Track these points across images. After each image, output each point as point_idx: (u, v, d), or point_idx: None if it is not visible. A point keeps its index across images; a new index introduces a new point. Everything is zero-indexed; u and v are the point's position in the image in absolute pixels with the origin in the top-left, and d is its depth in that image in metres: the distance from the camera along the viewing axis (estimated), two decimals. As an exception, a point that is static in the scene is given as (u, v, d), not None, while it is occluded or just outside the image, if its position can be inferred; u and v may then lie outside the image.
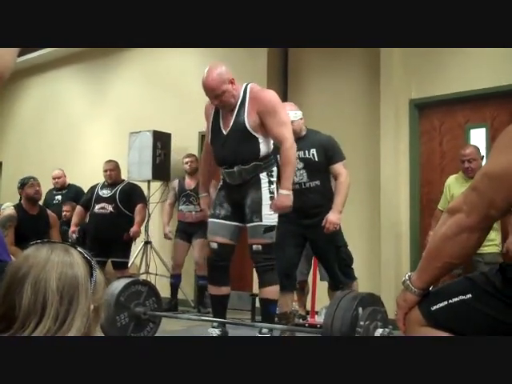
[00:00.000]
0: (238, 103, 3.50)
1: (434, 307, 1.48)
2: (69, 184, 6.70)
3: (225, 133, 3.55)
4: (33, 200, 5.15)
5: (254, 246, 3.50)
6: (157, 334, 4.26)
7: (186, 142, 6.71)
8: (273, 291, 3.55)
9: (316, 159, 3.98)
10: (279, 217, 3.77)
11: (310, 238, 4.02)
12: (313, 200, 3.97)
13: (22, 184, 5.16)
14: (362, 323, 2.36)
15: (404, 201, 5.29)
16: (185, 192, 5.96)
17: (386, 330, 2.38)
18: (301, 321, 4.90)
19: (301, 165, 3.97)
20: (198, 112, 6.73)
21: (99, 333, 1.18)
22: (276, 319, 3.81)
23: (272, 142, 3.60)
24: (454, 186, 4.45)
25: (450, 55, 5.01)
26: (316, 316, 5.14)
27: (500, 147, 1.44)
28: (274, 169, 3.63)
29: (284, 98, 6.24)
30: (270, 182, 3.57)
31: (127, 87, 7.57)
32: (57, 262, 1.07)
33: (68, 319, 1.03)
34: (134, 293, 3.73)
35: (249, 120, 3.46)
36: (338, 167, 4.00)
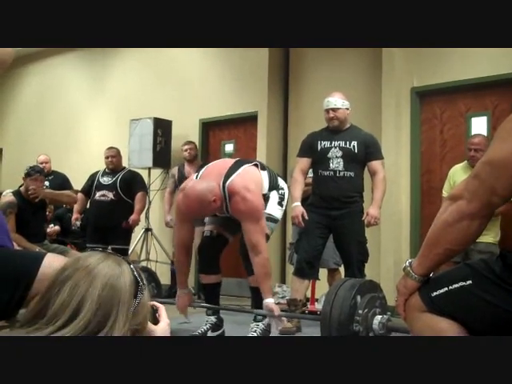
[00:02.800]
0: (224, 204, 3.38)
1: (435, 293, 1.49)
2: (53, 170, 6.65)
3: (223, 215, 3.55)
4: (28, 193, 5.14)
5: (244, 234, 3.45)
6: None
7: (187, 130, 6.71)
8: None
9: (355, 151, 4.05)
10: (309, 205, 3.83)
11: (335, 229, 4.06)
12: (344, 189, 4.03)
13: (28, 174, 5.13)
14: (360, 311, 2.37)
15: (404, 189, 5.29)
16: (185, 179, 5.96)
17: (385, 316, 2.39)
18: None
19: (339, 153, 4.04)
20: (198, 99, 6.79)
21: None
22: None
23: (264, 173, 3.58)
24: (459, 174, 4.43)
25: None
26: (316, 303, 5.17)
27: (502, 135, 1.44)
28: (280, 181, 3.68)
29: (285, 91, 6.24)
30: (280, 189, 3.62)
31: (128, 74, 7.55)
32: (105, 272, 1.04)
33: (102, 332, 0.99)
34: None
35: (235, 216, 3.43)
36: (377, 164, 4.08)
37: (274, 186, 3.61)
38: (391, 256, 5.17)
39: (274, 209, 3.54)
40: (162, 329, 1.21)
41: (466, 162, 4.46)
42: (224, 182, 3.35)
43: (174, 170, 6.13)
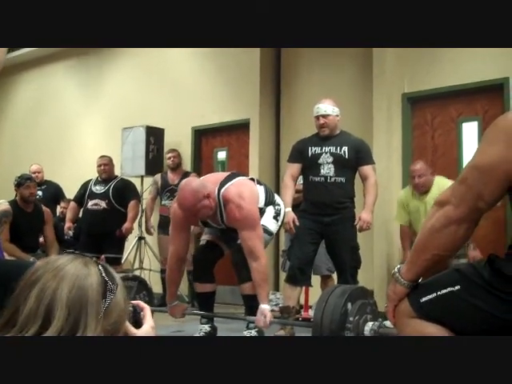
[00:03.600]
0: (218, 212, 3.42)
1: (424, 299, 1.49)
2: (45, 180, 6.67)
3: (222, 227, 3.55)
4: (27, 201, 5.14)
5: (239, 240, 3.46)
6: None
7: (179, 137, 6.71)
8: (253, 287, 3.53)
9: (346, 156, 4.06)
10: (300, 211, 3.85)
11: (328, 235, 4.05)
12: (335, 195, 4.03)
13: (18, 184, 5.14)
14: (351, 319, 2.36)
15: (396, 195, 5.29)
16: (169, 187, 6.00)
17: (376, 323, 2.38)
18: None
19: (330, 159, 4.04)
20: (191, 107, 6.79)
21: None
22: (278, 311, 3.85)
23: (260, 188, 3.61)
24: (410, 199, 4.63)
25: (443, 49, 5.01)
26: (309, 310, 5.16)
27: (488, 140, 1.45)
28: (276, 197, 3.72)
29: (277, 96, 6.25)
30: (276, 205, 3.66)
31: (120, 82, 7.54)
32: (72, 273, 1.01)
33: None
34: None
35: (232, 225, 3.44)
36: (368, 169, 4.09)
37: (270, 201, 3.63)
38: (384, 262, 5.17)
39: (268, 221, 3.55)
40: (144, 332, 1.17)
41: (409, 187, 4.68)
42: (219, 189, 3.37)
43: (157, 177, 6.18)
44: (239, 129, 6.43)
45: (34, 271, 1.02)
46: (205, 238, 3.76)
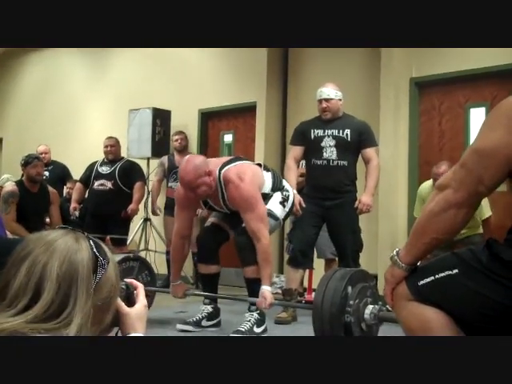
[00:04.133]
0: (219, 193, 3.44)
1: (421, 282, 1.49)
2: (52, 160, 6.70)
3: (225, 211, 3.56)
4: (34, 180, 5.15)
5: (244, 224, 3.45)
6: (152, 310, 4.29)
7: (186, 120, 6.70)
8: (256, 270, 3.54)
9: (349, 139, 4.04)
10: (303, 195, 3.86)
11: (329, 219, 4.06)
12: (338, 179, 4.03)
13: (26, 163, 5.14)
14: (351, 302, 2.36)
15: (402, 181, 5.29)
16: (175, 169, 5.99)
17: (376, 306, 2.38)
18: (298, 297, 4.93)
19: (332, 142, 4.03)
20: (197, 89, 6.78)
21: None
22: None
23: (267, 174, 3.60)
24: (428, 192, 4.46)
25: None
26: (313, 293, 5.18)
27: (490, 124, 1.44)
28: (284, 183, 3.70)
29: (284, 80, 6.22)
30: (284, 191, 3.64)
31: (127, 64, 7.54)
32: (62, 247, 1.00)
33: (64, 313, 0.96)
34: (125, 269, 3.75)
35: (234, 207, 3.45)
36: (371, 152, 4.07)
37: (278, 187, 3.62)
38: (389, 248, 5.16)
39: (275, 206, 3.54)
40: (137, 310, 1.17)
41: (431, 182, 4.49)
42: (220, 170, 3.39)
43: (164, 159, 6.18)
44: (246, 112, 6.41)
45: (25, 246, 1.01)
46: (210, 220, 3.77)
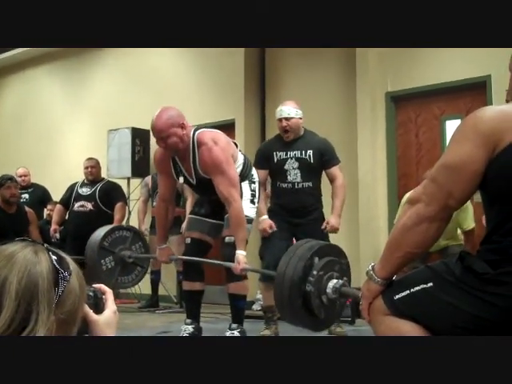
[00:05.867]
0: (191, 156, 3.44)
1: (397, 296, 1.50)
2: (32, 183, 6.65)
3: (194, 183, 3.57)
4: (8, 202, 5.10)
5: (227, 238, 3.46)
6: (135, 331, 4.27)
7: (166, 139, 6.70)
8: (241, 286, 3.55)
9: (311, 161, 4.01)
10: (270, 212, 3.85)
11: (299, 236, 4.03)
12: (304, 200, 4.01)
13: None
14: (314, 272, 2.30)
15: (381, 194, 5.33)
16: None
17: (340, 281, 2.32)
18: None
19: (296, 164, 4.00)
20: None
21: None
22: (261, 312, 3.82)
23: (239, 154, 3.61)
24: None
25: (425, 48, 5.05)
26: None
27: (457, 138, 1.47)
28: (253, 172, 3.69)
29: (262, 96, 6.26)
30: (252, 182, 3.62)
31: (105, 84, 7.53)
32: (21, 262, 0.97)
33: (26, 330, 0.94)
34: (118, 238, 3.86)
35: (205, 174, 3.44)
36: (334, 171, 4.05)
37: (246, 174, 3.59)
38: (370, 261, 5.17)
39: (246, 208, 3.52)
40: (105, 317, 1.14)
41: None
42: (195, 131, 3.44)
43: (148, 179, 6.15)
44: (224, 129, 6.33)
45: None
46: (188, 235, 3.73)
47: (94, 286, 1.18)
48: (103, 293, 1.18)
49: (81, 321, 1.08)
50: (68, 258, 1.05)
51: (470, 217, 4.32)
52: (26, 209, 5.33)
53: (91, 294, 1.15)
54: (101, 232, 3.91)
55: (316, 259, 2.35)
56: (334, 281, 2.29)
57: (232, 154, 3.50)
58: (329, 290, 2.28)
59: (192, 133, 3.42)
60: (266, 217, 3.94)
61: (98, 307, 1.15)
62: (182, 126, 3.34)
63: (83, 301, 1.07)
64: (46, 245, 1.05)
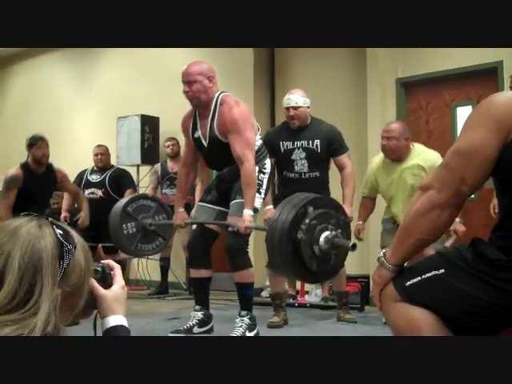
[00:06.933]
0: (211, 113, 3.47)
1: (408, 283, 1.50)
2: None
3: (205, 145, 3.56)
4: (39, 162, 5.02)
5: (230, 228, 3.45)
6: (145, 317, 4.30)
7: (174, 126, 6.64)
8: (246, 275, 3.54)
9: (319, 151, 4.01)
10: (276, 201, 3.86)
11: None
12: (311, 190, 3.96)
13: (30, 144, 5.00)
14: (307, 221, 2.28)
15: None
16: (168, 175, 6.00)
17: (333, 232, 2.28)
18: (291, 300, 4.94)
19: (303, 154, 4.00)
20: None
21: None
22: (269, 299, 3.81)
23: (258, 138, 3.59)
24: (380, 170, 4.13)
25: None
26: (306, 295, 5.19)
27: (470, 124, 1.46)
28: (267, 162, 3.66)
29: (272, 88, 6.23)
30: (261, 172, 3.59)
31: (114, 71, 7.52)
32: (24, 236, 0.98)
33: (31, 302, 0.95)
34: (142, 206, 3.88)
35: (221, 134, 3.46)
36: (343, 159, 4.06)
37: (258, 161, 3.56)
38: (379, 248, 5.18)
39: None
40: (114, 292, 1.15)
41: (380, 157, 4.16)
42: (221, 92, 3.52)
43: (157, 167, 6.17)
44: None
45: None
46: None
47: (101, 261, 1.18)
48: (111, 268, 1.18)
49: (89, 295, 1.08)
50: (73, 232, 1.05)
51: None
52: (55, 168, 5.23)
53: (99, 269, 1.16)
54: (126, 198, 3.99)
55: (311, 208, 2.32)
56: (327, 232, 2.27)
57: (252, 123, 3.52)
58: (321, 242, 2.25)
59: (218, 93, 3.50)
60: (270, 206, 3.94)
61: (106, 282, 1.15)
62: (210, 79, 3.44)
63: (89, 274, 1.07)
64: (50, 219, 1.04)
